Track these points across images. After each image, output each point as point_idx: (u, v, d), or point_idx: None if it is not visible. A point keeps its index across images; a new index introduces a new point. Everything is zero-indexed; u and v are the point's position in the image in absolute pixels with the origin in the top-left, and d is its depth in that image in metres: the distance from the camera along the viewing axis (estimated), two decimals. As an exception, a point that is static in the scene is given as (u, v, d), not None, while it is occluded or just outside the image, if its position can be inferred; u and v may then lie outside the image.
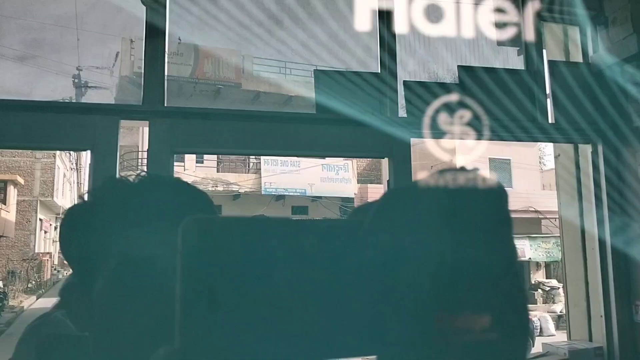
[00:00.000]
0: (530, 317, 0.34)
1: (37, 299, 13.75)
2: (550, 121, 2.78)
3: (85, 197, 0.64)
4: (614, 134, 2.79)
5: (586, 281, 2.86)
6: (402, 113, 2.59)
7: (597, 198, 2.79)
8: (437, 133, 2.60)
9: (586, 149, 2.89)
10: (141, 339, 0.49)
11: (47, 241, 18.91)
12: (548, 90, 2.76)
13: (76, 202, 0.64)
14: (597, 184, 2.81)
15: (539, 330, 10.39)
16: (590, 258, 2.82)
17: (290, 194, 12.55)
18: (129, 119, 2.37)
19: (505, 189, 0.36)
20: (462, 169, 0.36)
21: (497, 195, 0.36)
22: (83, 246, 0.59)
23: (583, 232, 2.84)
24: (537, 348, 3.06)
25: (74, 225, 0.62)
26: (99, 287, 0.53)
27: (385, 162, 2.59)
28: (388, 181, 2.54)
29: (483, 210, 0.36)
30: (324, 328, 0.34)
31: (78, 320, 0.58)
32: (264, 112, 2.42)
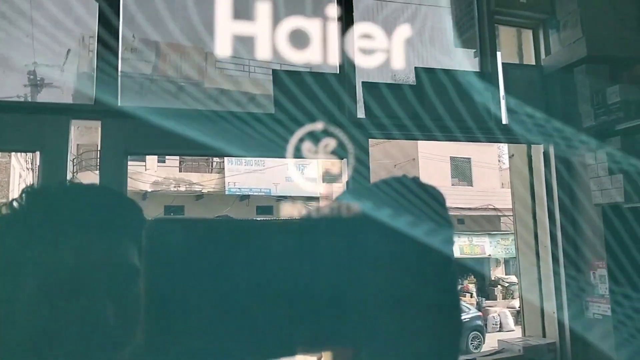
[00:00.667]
0: (461, 315, 0.37)
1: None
2: (503, 122, 2.85)
3: (7, 205, 0.62)
4: (564, 134, 2.88)
5: (539, 279, 2.95)
6: (360, 114, 2.61)
7: (548, 196, 2.87)
8: (395, 134, 2.63)
9: (538, 149, 2.98)
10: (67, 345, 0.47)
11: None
12: (502, 92, 2.82)
13: None
14: (548, 183, 2.90)
15: (498, 326, 10.64)
16: (542, 255, 2.90)
17: (255, 193, 12.48)
18: (80, 119, 2.30)
19: (442, 193, 0.38)
20: (404, 176, 0.38)
21: (436, 198, 0.39)
22: (4, 254, 0.57)
23: (536, 229, 2.92)
24: (492, 345, 3.13)
25: None
26: (24, 296, 0.51)
27: (344, 162, 2.60)
28: (347, 182, 2.55)
29: (424, 212, 0.38)
30: (286, 326, 0.34)
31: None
32: (221, 112, 2.38)
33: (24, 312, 0.50)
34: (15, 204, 0.61)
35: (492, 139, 2.85)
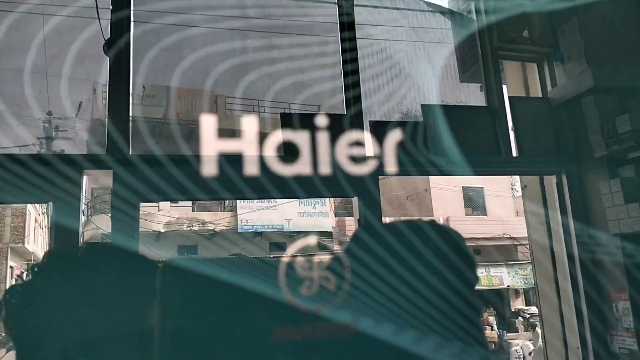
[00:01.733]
0: (485, 345, 0.38)
1: (7, 352, 13.20)
2: (514, 154, 2.84)
3: (28, 273, 0.63)
4: (576, 164, 2.86)
5: (560, 312, 2.87)
6: (368, 152, 2.62)
7: (564, 227, 2.83)
8: (404, 170, 2.62)
9: (551, 180, 2.95)
10: None
11: (17, 289, 18.25)
12: (510, 125, 2.82)
13: (18, 281, 0.64)
14: (563, 213, 2.86)
15: (522, 359, 10.34)
16: (562, 288, 2.83)
17: (268, 230, 12.47)
18: (92, 169, 2.33)
19: (462, 235, 0.39)
20: (420, 220, 0.39)
21: (455, 240, 0.40)
22: (25, 324, 0.57)
23: (554, 261, 2.87)
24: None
25: (16, 303, 0.61)
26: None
27: (355, 200, 2.59)
28: (359, 220, 2.54)
29: (445, 253, 0.39)
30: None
31: None
32: (232, 156, 2.41)
33: None
34: (30, 276, 0.63)
35: (503, 171, 2.83)
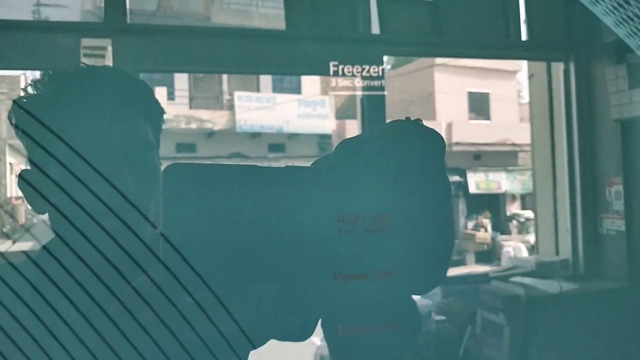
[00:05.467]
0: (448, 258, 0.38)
1: (13, 244, 13.67)
2: (523, 39, 2.77)
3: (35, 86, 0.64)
4: (585, 50, 2.80)
5: (554, 197, 2.95)
6: (375, 30, 2.54)
7: (567, 113, 2.82)
8: (410, 51, 2.57)
9: (558, 67, 2.90)
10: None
11: (20, 185, 18.55)
12: (522, 7, 2.72)
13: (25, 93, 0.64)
14: (568, 102, 2.84)
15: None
16: (558, 171, 2.89)
17: (266, 131, 12.44)
18: (90, 37, 2.27)
19: (443, 139, 0.38)
20: (407, 119, 0.38)
21: (435, 144, 0.38)
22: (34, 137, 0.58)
23: (553, 145, 2.89)
24: (505, 263, 3.18)
25: (26, 111, 0.63)
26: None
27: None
28: (362, 98, 2.50)
29: (422, 159, 0.37)
30: (308, 273, 0.35)
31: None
32: (233, 29, 2.34)
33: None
34: (32, 89, 0.63)
35: (511, 55, 2.77)
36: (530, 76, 3.21)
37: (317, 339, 2.54)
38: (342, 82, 2.45)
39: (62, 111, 0.59)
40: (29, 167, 0.65)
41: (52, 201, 0.56)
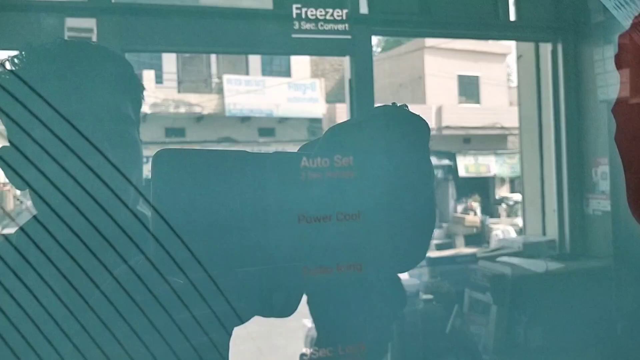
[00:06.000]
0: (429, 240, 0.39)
1: (2, 229, 13.60)
2: (511, 19, 2.77)
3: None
4: (573, 31, 2.80)
5: (542, 178, 2.97)
6: (363, 9, 2.52)
7: (555, 95, 2.84)
8: (399, 31, 2.56)
9: (547, 48, 2.90)
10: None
11: (7, 171, 18.44)
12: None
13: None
14: (555, 83, 2.86)
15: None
16: (546, 153, 2.91)
17: (256, 115, 12.37)
18: (74, 17, 2.23)
19: (428, 125, 0.38)
20: (393, 104, 0.38)
21: (419, 130, 0.38)
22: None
23: (540, 127, 2.92)
24: (492, 244, 3.21)
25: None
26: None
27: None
28: (350, 80, 2.50)
29: (406, 144, 0.38)
30: (298, 255, 0.36)
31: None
32: (220, 8, 2.31)
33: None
34: (9, 64, 0.62)
35: (499, 36, 2.77)
36: (519, 57, 3.22)
37: (307, 321, 2.57)
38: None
39: (39, 86, 0.59)
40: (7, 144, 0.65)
41: (30, 178, 0.56)
